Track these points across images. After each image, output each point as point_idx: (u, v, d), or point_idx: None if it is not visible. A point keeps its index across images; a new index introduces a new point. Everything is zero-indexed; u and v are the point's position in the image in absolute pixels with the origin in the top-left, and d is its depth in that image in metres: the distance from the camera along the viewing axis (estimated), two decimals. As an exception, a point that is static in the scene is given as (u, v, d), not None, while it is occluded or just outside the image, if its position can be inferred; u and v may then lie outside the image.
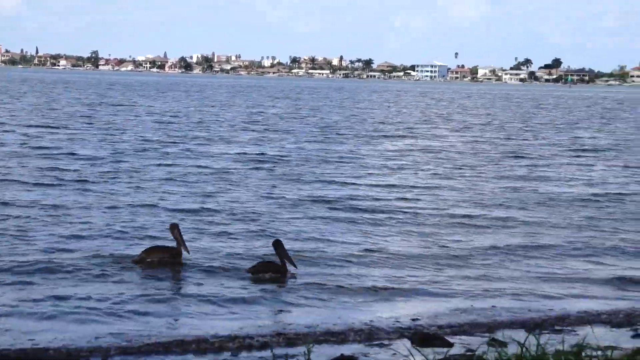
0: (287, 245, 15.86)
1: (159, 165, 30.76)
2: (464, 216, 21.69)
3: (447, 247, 17.97)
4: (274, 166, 31.64)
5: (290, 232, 18.93)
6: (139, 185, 25.33)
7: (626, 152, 42.76)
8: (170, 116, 62.09)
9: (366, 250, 17.33)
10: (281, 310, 13.36)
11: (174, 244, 15.81)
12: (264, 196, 24.05)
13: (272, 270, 15.00)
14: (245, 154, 35.87)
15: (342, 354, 11.32)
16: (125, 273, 14.93)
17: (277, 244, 15.27)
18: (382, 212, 22.10)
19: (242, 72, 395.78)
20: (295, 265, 15.33)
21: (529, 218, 21.70)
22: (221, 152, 36.48)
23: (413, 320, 13.05)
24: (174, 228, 15.68)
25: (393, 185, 27.31)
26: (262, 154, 35.86)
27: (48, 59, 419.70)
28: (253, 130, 50.34)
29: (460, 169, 32.82)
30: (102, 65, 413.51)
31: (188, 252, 15.61)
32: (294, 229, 19.38)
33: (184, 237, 15.87)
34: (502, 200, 24.66)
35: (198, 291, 14.08)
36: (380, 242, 18.32)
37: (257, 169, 30.67)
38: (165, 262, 15.28)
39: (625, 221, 21.66)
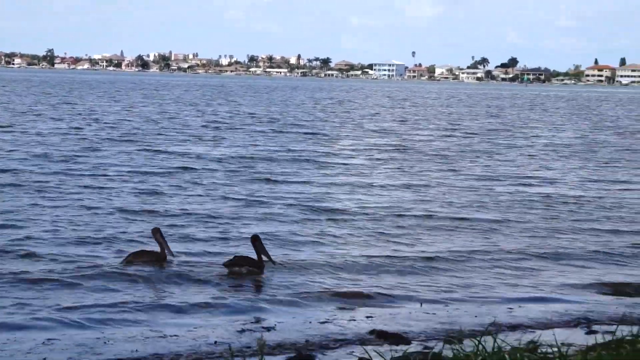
0: (249, 248, 15.89)
1: (111, 165, 30.54)
2: (426, 217, 21.64)
3: (405, 249, 17.94)
4: (234, 166, 31.50)
5: (249, 233, 18.90)
6: (94, 186, 25.14)
7: (586, 151, 43.10)
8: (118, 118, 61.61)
9: (327, 253, 17.24)
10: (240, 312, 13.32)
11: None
12: (224, 197, 23.93)
13: (250, 264, 15.03)
14: (204, 154, 35.61)
15: (299, 353, 11.34)
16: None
17: (255, 239, 15.29)
18: (343, 212, 22.06)
19: (200, 71, 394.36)
20: (273, 262, 15.37)
21: (489, 218, 21.74)
22: (182, 151, 36.18)
23: (368, 317, 13.11)
24: (157, 232, 15.70)
25: (352, 184, 27.32)
26: (222, 154, 35.62)
27: (2, 57, 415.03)
28: (212, 129, 50.16)
29: (423, 168, 32.84)
30: (58, 63, 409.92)
31: (172, 255, 15.64)
32: (256, 230, 19.32)
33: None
34: (462, 200, 24.68)
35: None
36: (340, 244, 18.22)
37: (214, 170, 30.48)
38: (150, 265, 15.21)
39: (584, 222, 21.71)
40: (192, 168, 30.25)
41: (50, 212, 20.40)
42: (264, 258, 15.32)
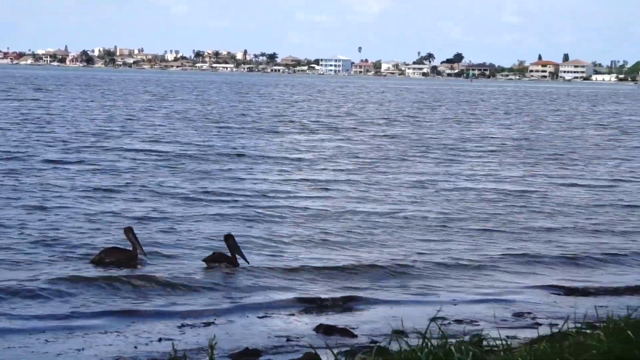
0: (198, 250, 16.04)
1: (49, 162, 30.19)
2: (371, 213, 21.60)
3: (350, 249, 17.93)
4: (177, 163, 31.29)
5: (195, 231, 18.87)
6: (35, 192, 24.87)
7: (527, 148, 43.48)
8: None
9: (271, 256, 17.15)
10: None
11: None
12: (167, 194, 23.78)
13: (227, 261, 15.46)
14: (148, 150, 35.31)
15: (246, 348, 11.34)
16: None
17: (228, 238, 15.65)
18: (286, 209, 22.03)
19: (145, 66, 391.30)
20: (247, 260, 15.62)
21: (438, 216, 21.74)
22: (119, 147, 35.77)
23: (318, 314, 13.18)
24: (129, 231, 15.76)
25: (301, 180, 27.29)
26: (166, 151, 35.29)
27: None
28: (157, 125, 49.87)
29: (366, 164, 32.88)
30: (1, 58, 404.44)
31: (144, 254, 15.65)
32: (202, 228, 19.27)
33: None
34: (409, 197, 24.60)
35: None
36: (283, 247, 18.14)
37: (158, 166, 30.30)
38: (122, 263, 15.23)
39: (530, 222, 21.66)
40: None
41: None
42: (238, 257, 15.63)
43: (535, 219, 21.84)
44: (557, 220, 21.82)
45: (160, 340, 11.57)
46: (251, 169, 29.99)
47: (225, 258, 15.56)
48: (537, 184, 28.26)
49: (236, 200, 22.80)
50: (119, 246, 15.89)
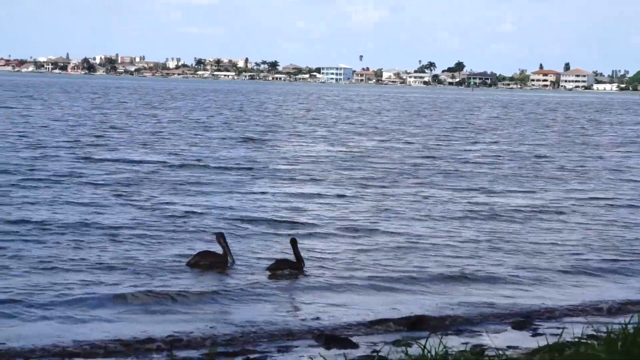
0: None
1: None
2: (347, 228, 20.89)
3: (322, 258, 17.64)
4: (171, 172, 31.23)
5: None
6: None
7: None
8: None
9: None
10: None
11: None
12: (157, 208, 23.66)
13: (291, 267, 16.02)
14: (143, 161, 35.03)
15: (247, 357, 11.38)
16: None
17: (294, 242, 16.26)
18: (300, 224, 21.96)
19: (147, 74, 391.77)
20: (304, 264, 16.20)
21: (416, 230, 21.04)
22: (115, 158, 35.32)
23: (315, 319, 13.30)
24: (220, 237, 16.37)
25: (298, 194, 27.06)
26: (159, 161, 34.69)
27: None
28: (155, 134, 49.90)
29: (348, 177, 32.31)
30: (2, 66, 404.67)
31: (233, 261, 16.32)
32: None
33: None
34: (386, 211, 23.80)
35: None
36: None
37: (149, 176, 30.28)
38: (215, 266, 16.02)
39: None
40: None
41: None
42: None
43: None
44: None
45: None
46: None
47: (289, 264, 16.08)
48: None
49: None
50: (211, 250, 16.49)
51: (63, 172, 29.12)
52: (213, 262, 16.05)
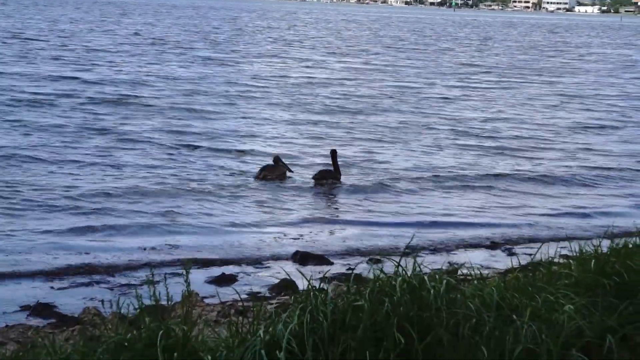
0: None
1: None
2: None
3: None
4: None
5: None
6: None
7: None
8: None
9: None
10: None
11: None
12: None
13: (333, 177, 17.42)
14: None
15: (223, 273, 11.41)
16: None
17: (334, 154, 17.59)
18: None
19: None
20: (341, 174, 17.57)
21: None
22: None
23: (295, 239, 13.33)
24: (277, 159, 17.96)
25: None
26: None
27: None
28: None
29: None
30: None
31: (292, 171, 17.95)
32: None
33: None
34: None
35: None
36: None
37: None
38: (281, 177, 17.73)
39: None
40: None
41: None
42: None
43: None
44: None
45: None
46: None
47: (332, 175, 17.44)
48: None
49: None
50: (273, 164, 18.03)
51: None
52: (278, 176, 17.70)
